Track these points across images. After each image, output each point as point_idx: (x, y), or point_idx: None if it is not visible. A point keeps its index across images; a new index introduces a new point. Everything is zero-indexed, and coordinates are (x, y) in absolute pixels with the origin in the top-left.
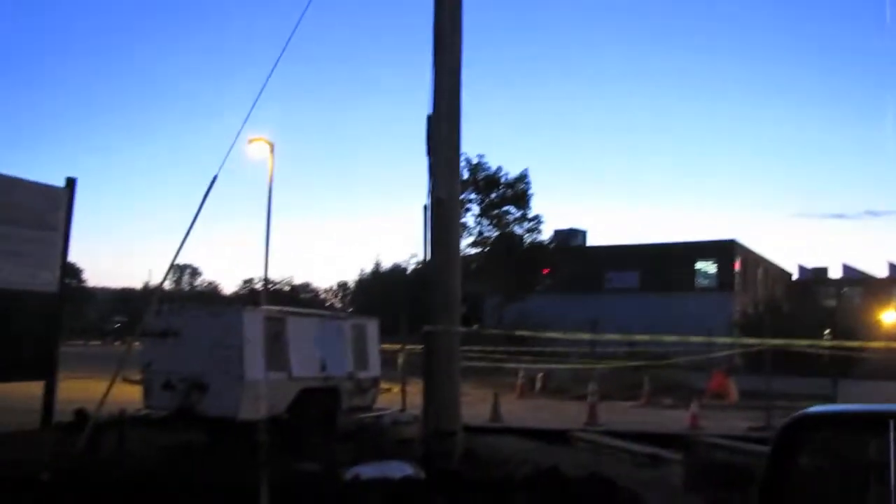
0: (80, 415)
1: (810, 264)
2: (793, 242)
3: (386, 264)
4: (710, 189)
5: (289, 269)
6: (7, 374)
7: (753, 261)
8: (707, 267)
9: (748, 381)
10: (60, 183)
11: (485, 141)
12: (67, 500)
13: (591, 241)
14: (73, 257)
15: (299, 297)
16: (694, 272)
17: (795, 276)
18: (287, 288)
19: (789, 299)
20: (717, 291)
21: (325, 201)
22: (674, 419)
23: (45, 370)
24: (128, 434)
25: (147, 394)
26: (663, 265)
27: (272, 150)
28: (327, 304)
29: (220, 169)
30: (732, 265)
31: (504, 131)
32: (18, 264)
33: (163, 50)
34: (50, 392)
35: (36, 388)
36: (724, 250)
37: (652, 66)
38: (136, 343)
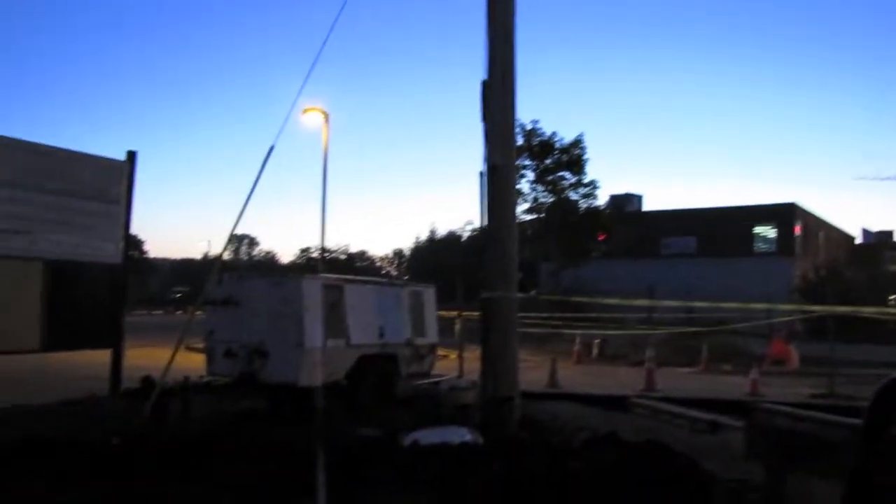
0: (147, 381)
1: (874, 227)
2: (856, 205)
3: (441, 232)
4: (770, 151)
5: (344, 237)
6: (77, 343)
7: (814, 224)
8: (766, 231)
9: (808, 348)
10: (121, 156)
11: (539, 105)
12: (137, 463)
13: (647, 205)
14: (134, 229)
15: (355, 266)
16: (752, 236)
17: (859, 240)
18: (343, 256)
19: (852, 264)
20: (776, 256)
21: (380, 169)
22: (733, 385)
23: (112, 339)
24: (192, 400)
25: (210, 361)
26: (721, 230)
27: (327, 120)
28: (383, 271)
29: (276, 139)
30: (792, 229)
31: (558, 95)
32: (84, 237)
33: (220, 22)
34: (117, 360)
35: (103, 356)
36: (783, 214)
37: (708, 26)
38: (199, 312)
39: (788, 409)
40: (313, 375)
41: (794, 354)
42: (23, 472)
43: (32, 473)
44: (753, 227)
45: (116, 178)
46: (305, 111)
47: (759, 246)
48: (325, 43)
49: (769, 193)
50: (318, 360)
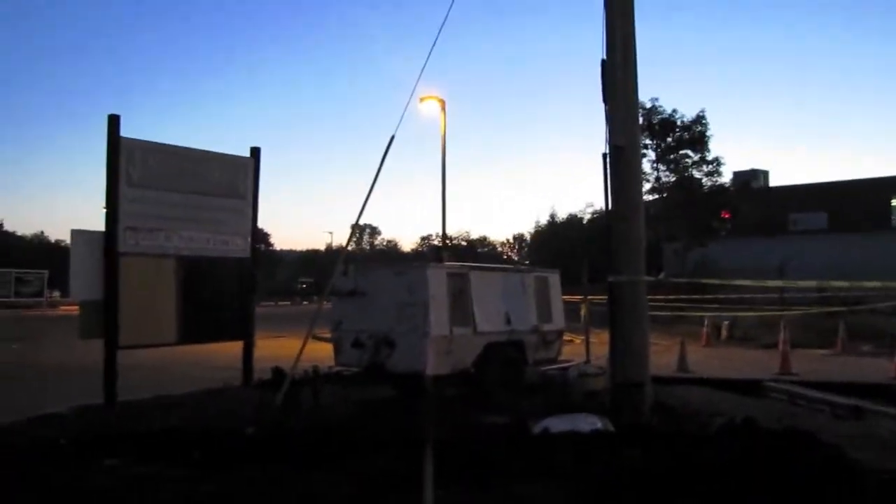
0: (278, 372)
1: None
2: None
3: (561, 214)
4: None
5: (465, 223)
6: (212, 335)
7: None
8: None
9: None
10: (244, 153)
11: (658, 82)
12: (270, 451)
13: (774, 181)
14: (260, 222)
15: (476, 251)
16: (890, 209)
17: None
18: (464, 243)
19: None
20: None
21: (499, 153)
22: (874, 368)
23: (244, 331)
24: (321, 389)
25: (338, 352)
26: (854, 203)
27: (444, 108)
28: (504, 256)
29: (396, 129)
30: None
31: (678, 70)
32: (214, 232)
33: (339, 17)
34: (248, 351)
35: (235, 346)
36: None
37: None
38: (326, 302)
39: None
40: (440, 364)
41: None
42: (165, 461)
43: (174, 461)
44: (891, 198)
45: (243, 175)
46: (422, 99)
47: None
48: (440, 30)
49: None
50: (444, 349)
